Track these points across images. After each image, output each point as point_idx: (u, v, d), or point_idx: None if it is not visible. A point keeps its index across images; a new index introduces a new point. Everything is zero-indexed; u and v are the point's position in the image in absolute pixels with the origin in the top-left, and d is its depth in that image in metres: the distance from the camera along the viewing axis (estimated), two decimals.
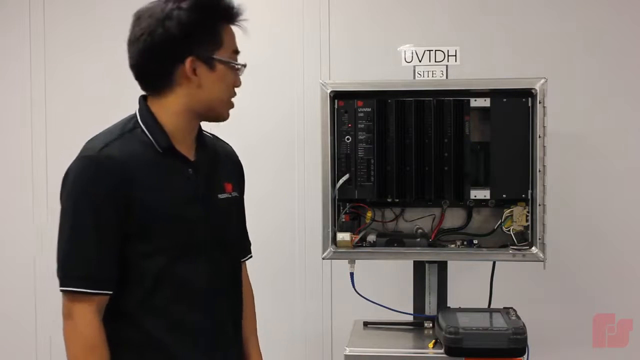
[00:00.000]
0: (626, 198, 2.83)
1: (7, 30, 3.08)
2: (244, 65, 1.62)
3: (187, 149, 1.60)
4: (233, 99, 1.64)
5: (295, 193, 2.91)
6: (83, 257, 1.49)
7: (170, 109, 1.57)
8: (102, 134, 1.56)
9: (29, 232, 3.05)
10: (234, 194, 1.72)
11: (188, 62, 1.53)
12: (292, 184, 2.91)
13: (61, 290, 1.50)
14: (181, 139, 1.59)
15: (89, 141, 1.55)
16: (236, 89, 1.63)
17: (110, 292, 1.51)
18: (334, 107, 2.23)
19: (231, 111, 1.65)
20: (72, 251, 1.49)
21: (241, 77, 1.63)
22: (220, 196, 1.67)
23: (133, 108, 1.63)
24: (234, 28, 1.61)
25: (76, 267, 1.49)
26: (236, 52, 1.62)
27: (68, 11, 3.05)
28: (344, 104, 2.22)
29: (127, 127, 1.56)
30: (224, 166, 1.72)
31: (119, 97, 2.86)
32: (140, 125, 1.56)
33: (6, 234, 3.09)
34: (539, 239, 2.16)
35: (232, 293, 1.71)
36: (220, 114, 1.63)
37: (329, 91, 2.21)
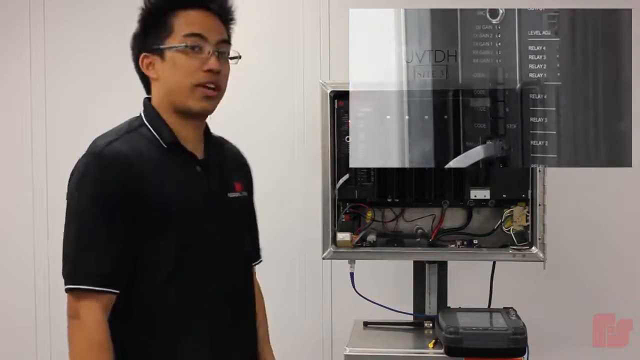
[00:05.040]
0: (626, 198, 2.83)
1: (7, 30, 3.08)
2: (193, 47, 1.52)
3: (193, 147, 1.58)
4: (208, 86, 1.52)
5: (295, 193, 2.91)
6: (91, 254, 1.45)
7: (156, 106, 1.58)
8: (110, 131, 1.56)
9: (29, 232, 3.04)
10: (244, 193, 1.70)
11: (141, 58, 1.56)
12: (292, 183, 2.91)
13: (67, 289, 1.45)
14: (185, 137, 1.57)
15: (96, 138, 1.53)
16: (216, 77, 1.53)
17: (118, 292, 1.46)
18: (334, 107, 2.22)
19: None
20: (79, 248, 1.46)
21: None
22: (230, 195, 1.65)
23: (134, 108, 1.63)
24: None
25: (84, 264, 1.45)
26: (191, 35, 1.52)
27: (68, 11, 3.04)
28: (344, 104, 2.22)
29: (133, 125, 1.56)
30: (232, 166, 1.71)
31: (119, 97, 2.86)
32: (145, 123, 1.56)
33: (6, 234, 3.09)
34: (539, 239, 2.16)
35: (241, 297, 1.67)
36: (184, 104, 1.53)
37: (329, 91, 2.21)
